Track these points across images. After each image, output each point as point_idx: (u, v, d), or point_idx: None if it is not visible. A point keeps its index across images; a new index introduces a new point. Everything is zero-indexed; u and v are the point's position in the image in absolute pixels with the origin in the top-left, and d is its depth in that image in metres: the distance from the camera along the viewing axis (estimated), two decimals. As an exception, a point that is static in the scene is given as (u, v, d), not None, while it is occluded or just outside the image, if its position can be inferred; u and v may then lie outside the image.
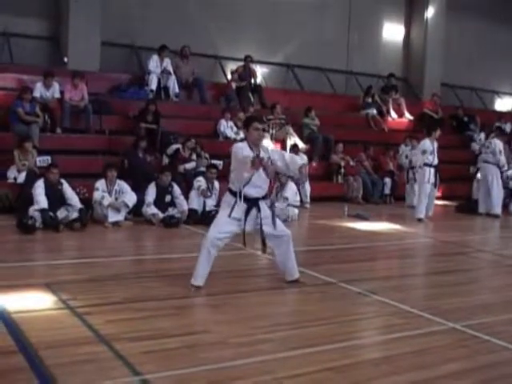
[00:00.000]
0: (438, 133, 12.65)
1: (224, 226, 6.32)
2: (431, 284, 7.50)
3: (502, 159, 13.83)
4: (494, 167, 13.77)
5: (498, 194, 13.69)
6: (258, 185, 6.33)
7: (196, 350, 4.65)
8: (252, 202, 6.33)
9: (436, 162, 12.58)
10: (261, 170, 6.19)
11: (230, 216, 6.28)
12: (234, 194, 6.33)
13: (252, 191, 6.31)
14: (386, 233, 10.90)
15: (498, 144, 13.91)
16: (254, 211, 6.35)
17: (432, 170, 12.52)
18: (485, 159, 13.98)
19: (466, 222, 13.11)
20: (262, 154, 6.23)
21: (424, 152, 12.54)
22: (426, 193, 12.59)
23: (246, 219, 6.31)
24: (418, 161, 12.88)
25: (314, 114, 15.65)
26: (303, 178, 6.71)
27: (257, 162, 5.86)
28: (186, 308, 5.76)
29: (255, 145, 6.31)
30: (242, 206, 6.29)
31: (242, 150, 6.20)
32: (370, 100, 17.75)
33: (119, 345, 4.62)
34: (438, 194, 15.53)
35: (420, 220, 12.37)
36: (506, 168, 14.05)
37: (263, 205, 6.47)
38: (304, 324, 5.45)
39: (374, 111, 17.62)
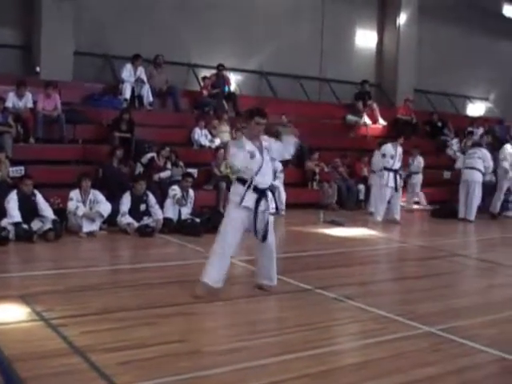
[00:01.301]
0: (401, 139, 12.97)
1: (236, 228, 6.43)
2: (407, 289, 7.54)
3: (492, 165, 14.21)
4: (479, 174, 13.91)
5: (476, 201, 13.83)
6: (267, 172, 6.53)
7: (172, 360, 4.63)
8: (261, 192, 6.45)
9: (397, 166, 12.85)
10: (267, 157, 6.52)
11: (240, 204, 6.37)
12: (244, 183, 6.43)
13: (262, 179, 6.44)
14: (361, 238, 10.95)
15: (487, 152, 14.25)
16: (263, 202, 6.45)
17: (391, 173, 12.72)
18: (471, 165, 14.01)
19: (442, 227, 13.20)
20: (264, 144, 6.54)
21: (383, 156, 12.87)
22: (384, 196, 12.83)
23: (256, 210, 6.40)
24: (379, 164, 13.08)
25: (286, 120, 15.71)
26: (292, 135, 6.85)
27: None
28: (162, 317, 5.73)
29: (255, 137, 6.51)
30: (252, 195, 6.39)
31: (243, 146, 6.43)
32: (361, 106, 17.91)
33: (95, 356, 4.59)
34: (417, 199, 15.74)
35: (377, 222, 12.64)
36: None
37: (271, 195, 6.66)
38: (281, 331, 5.46)
39: (360, 119, 17.78)
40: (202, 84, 16.11)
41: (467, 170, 14.04)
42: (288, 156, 7.00)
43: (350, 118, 17.91)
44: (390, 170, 12.73)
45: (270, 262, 6.73)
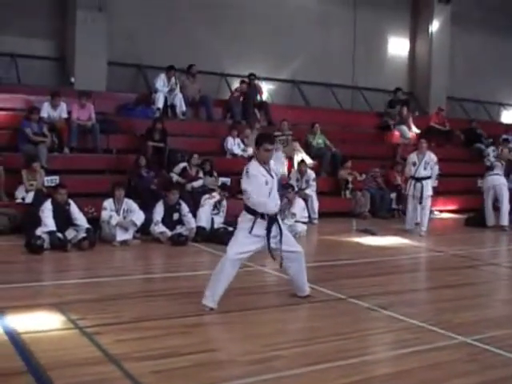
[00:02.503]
0: (422, 145, 12.66)
1: (244, 245, 6.35)
2: (441, 298, 7.44)
3: None
4: (502, 178, 13.88)
5: (506, 205, 13.71)
6: (276, 197, 6.48)
7: (206, 369, 4.63)
8: (272, 218, 6.38)
9: (421, 174, 12.32)
10: (275, 182, 6.48)
11: (250, 232, 6.32)
12: (252, 211, 6.35)
13: (272, 205, 6.38)
14: (394, 247, 10.86)
15: (497, 162, 14.35)
16: (274, 227, 6.40)
17: (412, 182, 12.48)
18: (493, 171, 14.02)
19: (476, 235, 13.04)
20: (271, 167, 6.54)
21: (407, 164, 12.74)
22: (408, 204, 12.73)
23: (268, 236, 6.36)
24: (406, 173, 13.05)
25: (320, 130, 15.66)
26: None
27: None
28: (196, 326, 5.74)
29: (265, 163, 6.45)
30: (262, 223, 6.34)
31: (258, 170, 6.37)
32: (405, 112, 17.79)
33: (128, 364, 4.61)
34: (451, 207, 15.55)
35: (406, 230, 12.50)
36: None
37: (280, 220, 6.63)
38: (314, 340, 5.42)
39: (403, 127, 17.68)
40: (235, 87, 16.18)
41: (490, 176, 14.02)
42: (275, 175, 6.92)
43: (404, 128, 17.61)
44: (412, 177, 12.54)
45: (300, 274, 6.72)
